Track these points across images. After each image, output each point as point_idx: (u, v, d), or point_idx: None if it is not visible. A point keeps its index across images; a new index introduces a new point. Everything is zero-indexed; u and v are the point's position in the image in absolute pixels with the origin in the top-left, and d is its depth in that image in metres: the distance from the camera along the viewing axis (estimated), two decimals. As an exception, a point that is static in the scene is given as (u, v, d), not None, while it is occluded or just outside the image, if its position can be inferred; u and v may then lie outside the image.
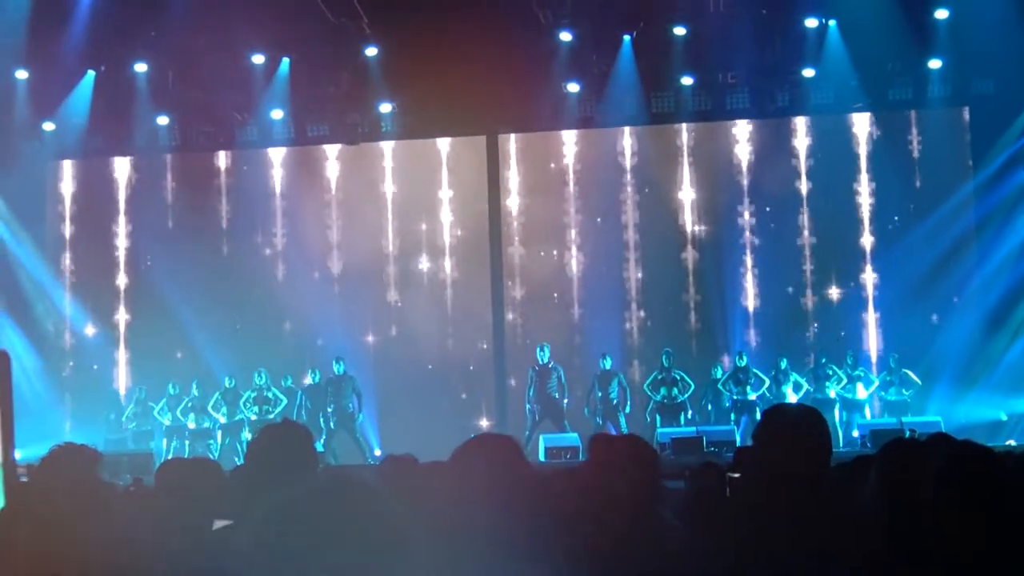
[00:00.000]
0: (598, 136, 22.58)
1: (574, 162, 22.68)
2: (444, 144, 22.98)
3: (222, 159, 23.55)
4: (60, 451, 4.00)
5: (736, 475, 6.99)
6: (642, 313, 22.19)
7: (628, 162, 22.54)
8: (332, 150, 23.18)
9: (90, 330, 23.24)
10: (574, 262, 22.45)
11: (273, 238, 23.22)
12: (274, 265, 23.12)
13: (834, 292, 21.72)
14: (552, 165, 22.75)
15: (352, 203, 23.06)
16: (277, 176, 23.37)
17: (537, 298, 22.38)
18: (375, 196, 23.01)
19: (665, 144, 22.43)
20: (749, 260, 22.00)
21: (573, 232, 22.53)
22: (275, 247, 23.22)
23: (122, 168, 23.72)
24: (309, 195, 23.10)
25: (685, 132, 22.46)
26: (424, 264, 22.90)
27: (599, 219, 22.47)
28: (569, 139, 22.73)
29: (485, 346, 22.35)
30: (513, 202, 22.72)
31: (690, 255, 22.19)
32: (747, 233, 22.06)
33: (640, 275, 22.25)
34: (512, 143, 22.83)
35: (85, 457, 3.98)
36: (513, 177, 22.76)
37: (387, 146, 23.06)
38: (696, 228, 22.21)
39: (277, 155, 23.42)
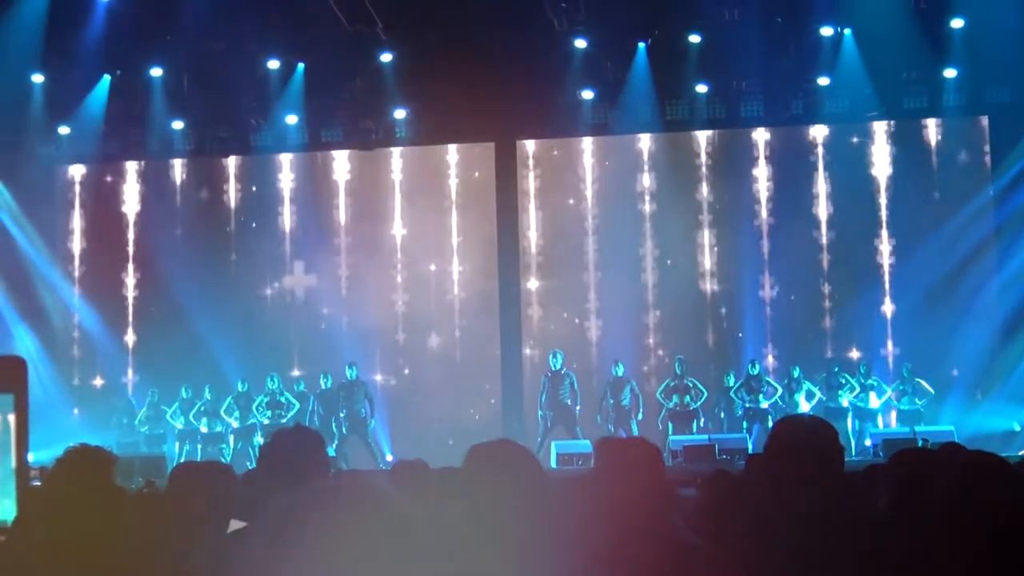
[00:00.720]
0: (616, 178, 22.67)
1: (592, 208, 22.69)
2: (453, 184, 23.04)
3: (232, 198, 23.64)
4: (75, 452, 3.99)
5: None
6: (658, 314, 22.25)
7: (648, 207, 22.55)
8: (342, 186, 23.26)
9: (99, 381, 23.29)
10: (593, 324, 22.41)
11: (283, 289, 23.33)
12: (285, 312, 23.27)
13: (850, 304, 21.66)
14: (571, 201, 22.77)
15: (361, 248, 23.16)
16: (287, 215, 23.47)
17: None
18: (384, 239, 23.12)
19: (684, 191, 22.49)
20: (766, 252, 22.02)
21: (592, 295, 22.51)
22: (285, 298, 23.34)
23: (136, 174, 23.81)
24: (318, 241, 23.25)
25: (706, 187, 22.45)
26: (432, 330, 22.90)
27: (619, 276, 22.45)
28: (588, 152, 22.76)
29: (493, 400, 22.29)
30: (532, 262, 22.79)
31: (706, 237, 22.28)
32: (763, 234, 22.09)
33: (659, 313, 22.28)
34: (531, 186, 22.82)
35: (100, 459, 3.98)
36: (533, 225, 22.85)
37: (396, 180, 23.12)
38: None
39: (287, 183, 23.50)
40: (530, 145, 22.89)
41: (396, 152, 23.02)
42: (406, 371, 22.82)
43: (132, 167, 23.81)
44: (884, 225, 21.79)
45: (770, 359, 21.63)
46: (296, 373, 22.46)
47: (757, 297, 21.87)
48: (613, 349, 21.52)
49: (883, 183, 21.88)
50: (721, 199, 22.35)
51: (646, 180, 22.60)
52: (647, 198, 22.54)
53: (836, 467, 4.00)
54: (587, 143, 22.81)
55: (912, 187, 21.61)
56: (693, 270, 22.24)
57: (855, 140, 22.01)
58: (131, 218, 23.77)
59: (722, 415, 20.38)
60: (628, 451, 4.03)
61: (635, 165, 22.66)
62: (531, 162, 22.92)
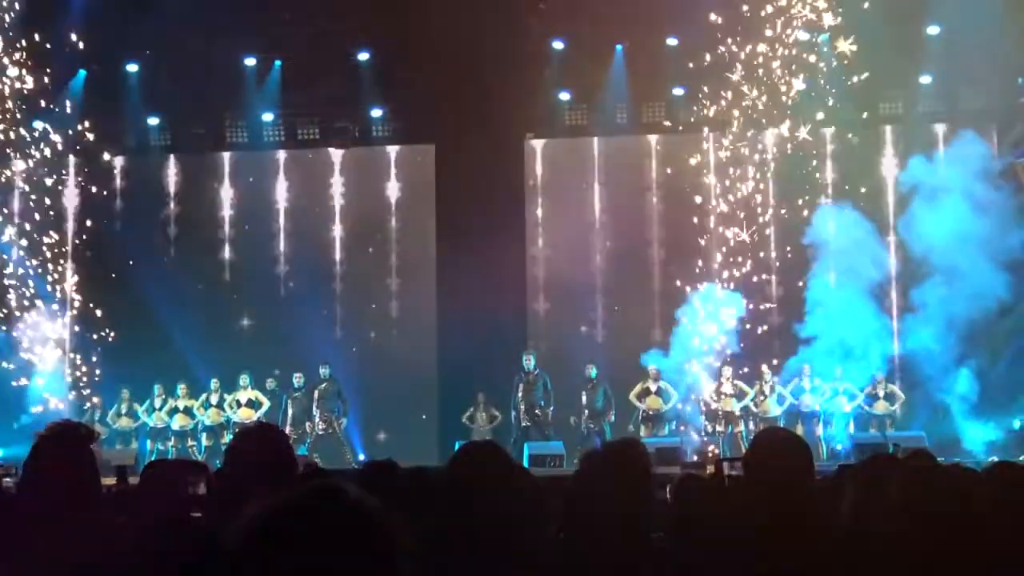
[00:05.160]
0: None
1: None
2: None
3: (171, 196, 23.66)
4: (59, 427, 4.01)
5: (734, 472, 7.02)
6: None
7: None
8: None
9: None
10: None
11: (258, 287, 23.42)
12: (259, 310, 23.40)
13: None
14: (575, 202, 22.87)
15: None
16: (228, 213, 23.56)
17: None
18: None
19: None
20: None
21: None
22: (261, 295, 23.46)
23: (113, 167, 23.74)
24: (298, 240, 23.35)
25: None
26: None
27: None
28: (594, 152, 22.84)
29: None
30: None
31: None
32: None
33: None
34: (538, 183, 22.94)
35: (83, 434, 4.01)
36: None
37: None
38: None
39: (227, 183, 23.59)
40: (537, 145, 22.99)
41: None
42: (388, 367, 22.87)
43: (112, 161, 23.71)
44: (891, 229, 21.58)
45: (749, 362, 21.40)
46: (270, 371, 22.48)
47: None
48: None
49: (891, 186, 21.74)
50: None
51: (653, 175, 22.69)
52: (653, 193, 22.64)
53: (809, 482, 4.06)
54: (584, 142, 22.90)
55: (922, 190, 21.22)
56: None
57: (858, 141, 21.68)
58: (82, 212, 23.63)
59: (703, 419, 20.33)
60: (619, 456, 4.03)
61: (644, 162, 22.74)
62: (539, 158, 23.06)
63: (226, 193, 23.63)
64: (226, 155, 23.47)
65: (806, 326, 20.18)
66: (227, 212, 23.61)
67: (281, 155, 23.43)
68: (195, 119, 22.30)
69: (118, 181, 23.70)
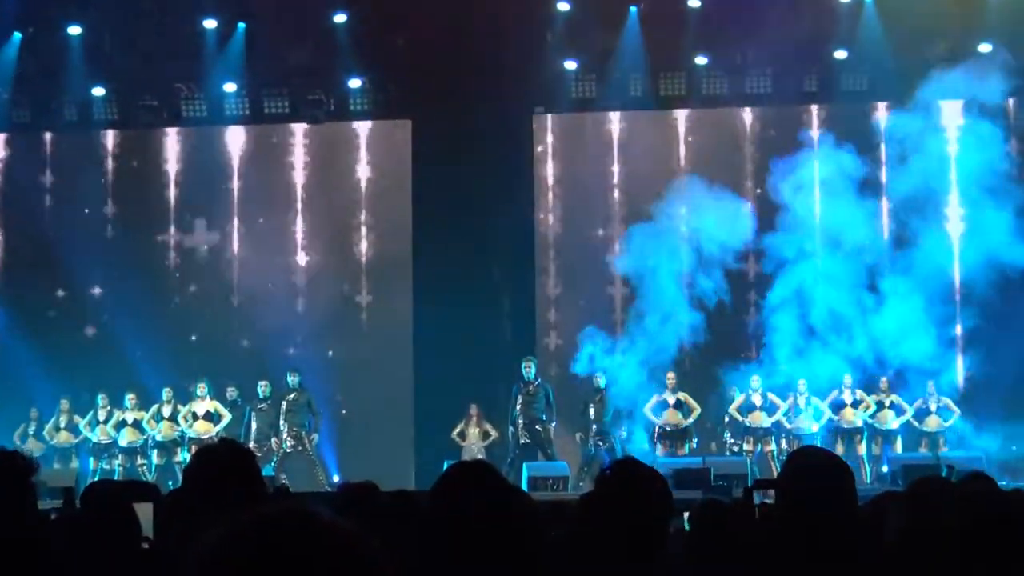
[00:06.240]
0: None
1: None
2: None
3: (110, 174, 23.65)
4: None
5: (767, 501, 7.02)
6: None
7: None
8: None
9: None
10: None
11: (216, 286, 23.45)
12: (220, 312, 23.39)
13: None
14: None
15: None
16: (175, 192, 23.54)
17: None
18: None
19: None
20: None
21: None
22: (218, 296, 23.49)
23: (50, 148, 23.69)
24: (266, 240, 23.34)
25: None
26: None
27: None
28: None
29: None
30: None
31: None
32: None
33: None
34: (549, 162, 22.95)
35: (20, 465, 4.00)
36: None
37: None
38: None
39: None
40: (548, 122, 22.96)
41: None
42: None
43: (46, 137, 23.66)
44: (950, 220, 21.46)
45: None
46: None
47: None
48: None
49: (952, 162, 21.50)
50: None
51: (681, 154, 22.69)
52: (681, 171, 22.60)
53: (850, 509, 4.05)
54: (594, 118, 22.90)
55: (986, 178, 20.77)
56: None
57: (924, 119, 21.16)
58: (11, 195, 23.57)
59: (727, 435, 20.25)
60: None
61: (673, 140, 22.76)
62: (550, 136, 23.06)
63: (179, 175, 23.56)
64: (181, 131, 23.41)
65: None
66: (179, 196, 23.55)
67: (243, 132, 23.40)
68: (146, 90, 22.22)
69: (51, 160, 23.66)
